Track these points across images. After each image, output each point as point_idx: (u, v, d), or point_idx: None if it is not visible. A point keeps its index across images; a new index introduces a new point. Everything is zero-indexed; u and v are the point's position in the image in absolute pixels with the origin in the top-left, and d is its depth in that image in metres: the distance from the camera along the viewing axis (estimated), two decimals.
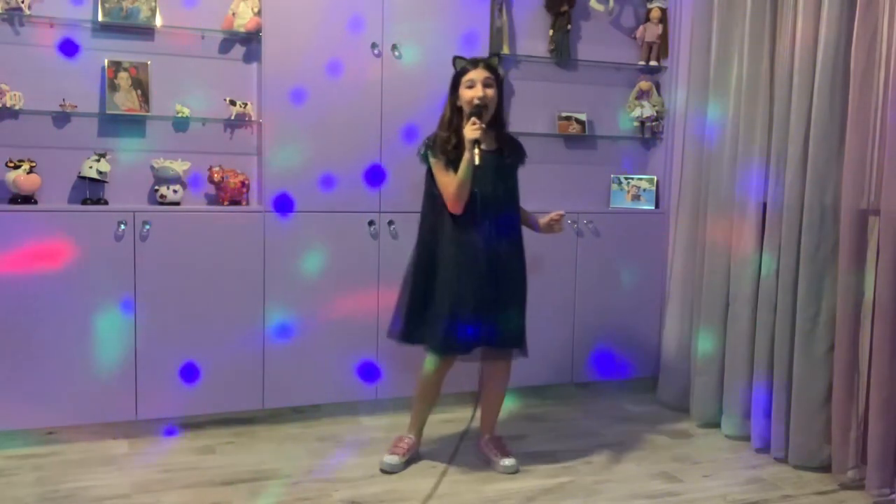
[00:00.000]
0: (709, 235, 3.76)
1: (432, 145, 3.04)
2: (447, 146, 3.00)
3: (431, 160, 3.03)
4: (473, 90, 2.99)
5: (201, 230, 3.43)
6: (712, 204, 3.75)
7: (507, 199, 3.10)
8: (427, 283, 3.08)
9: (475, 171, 2.91)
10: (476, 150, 2.87)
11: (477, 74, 3.01)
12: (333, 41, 3.57)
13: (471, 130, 2.91)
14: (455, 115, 3.04)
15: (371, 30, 3.62)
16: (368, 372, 3.72)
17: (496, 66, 3.09)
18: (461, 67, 3.05)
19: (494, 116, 3.08)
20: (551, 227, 3.24)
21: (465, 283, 3.01)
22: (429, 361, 3.15)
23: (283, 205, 3.54)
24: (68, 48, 3.39)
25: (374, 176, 3.67)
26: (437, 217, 3.07)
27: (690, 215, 3.91)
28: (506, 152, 3.10)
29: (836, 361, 3.13)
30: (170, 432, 3.46)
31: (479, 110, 2.96)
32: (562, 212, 3.23)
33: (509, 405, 3.88)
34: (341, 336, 3.64)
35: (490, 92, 3.01)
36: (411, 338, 3.12)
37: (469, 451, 3.31)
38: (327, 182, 3.60)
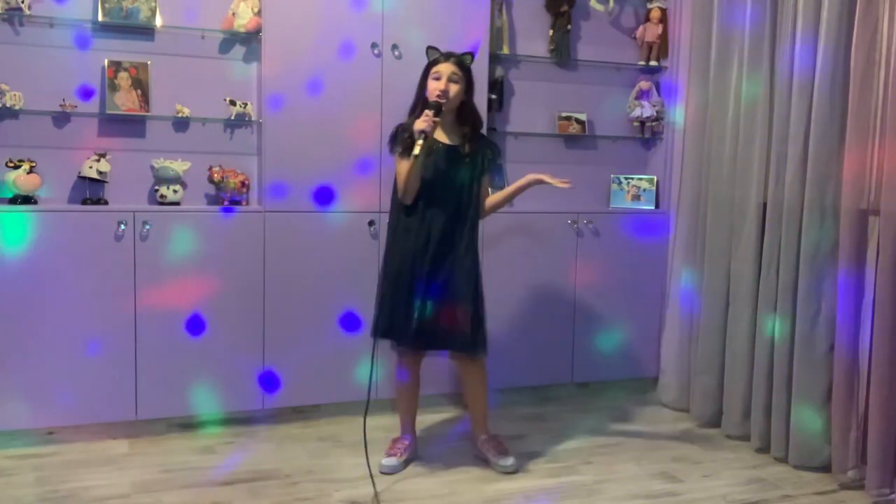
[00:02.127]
0: (709, 235, 3.76)
1: (394, 133, 3.06)
2: (404, 134, 3.01)
3: (393, 148, 3.05)
4: (438, 82, 3.00)
5: (201, 230, 3.43)
6: (712, 204, 3.75)
7: (460, 194, 3.08)
8: (384, 275, 3.12)
9: (427, 162, 2.94)
10: (419, 142, 2.88)
11: (444, 68, 3.02)
12: (333, 41, 3.57)
13: (420, 121, 2.92)
14: (421, 105, 3.05)
15: (371, 30, 3.62)
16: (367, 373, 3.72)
17: (468, 64, 3.09)
18: (433, 58, 3.07)
19: (467, 114, 3.10)
20: (547, 179, 3.15)
21: (408, 270, 3.03)
22: (398, 362, 3.19)
23: (282, 205, 3.54)
24: (68, 47, 3.39)
25: (374, 176, 3.67)
26: (395, 206, 3.11)
27: (690, 215, 3.91)
28: (467, 149, 3.09)
29: (836, 361, 3.13)
30: (167, 432, 3.46)
31: (437, 104, 2.96)
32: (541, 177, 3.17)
33: (510, 405, 3.89)
34: (341, 336, 3.64)
35: (454, 87, 3.01)
36: (377, 331, 3.13)
37: (467, 452, 3.31)
38: (327, 182, 3.60)
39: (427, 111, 2.94)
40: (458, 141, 3.10)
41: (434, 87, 3.01)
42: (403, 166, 2.98)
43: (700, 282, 3.83)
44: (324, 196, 3.61)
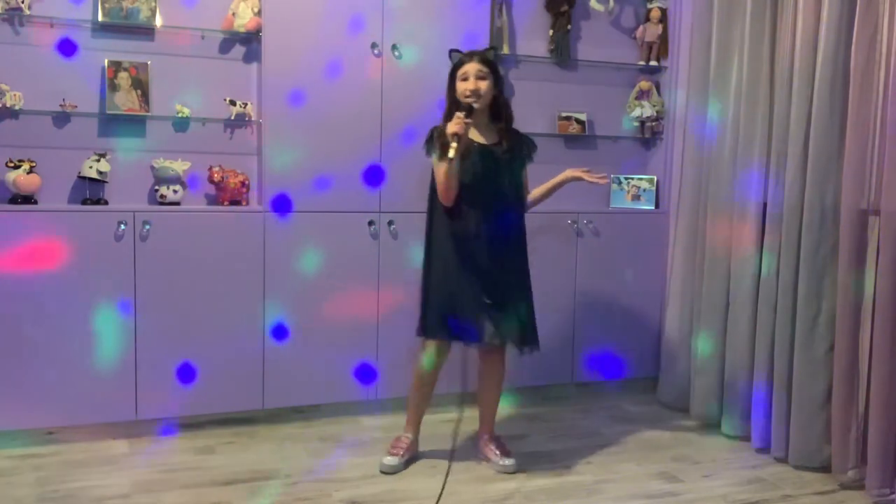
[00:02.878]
0: (709, 235, 3.76)
1: (431, 137, 3.05)
2: (441, 139, 3.00)
3: (430, 152, 3.04)
4: (466, 83, 3.00)
5: (201, 230, 3.43)
6: (712, 204, 3.75)
7: (504, 193, 3.08)
8: (430, 274, 3.10)
9: (465, 164, 2.93)
10: (453, 144, 2.87)
11: (471, 67, 3.01)
12: (333, 41, 3.57)
13: (451, 125, 2.91)
14: (453, 107, 3.04)
15: (371, 30, 3.62)
16: (366, 373, 3.72)
17: (492, 58, 3.09)
18: (457, 60, 3.06)
19: (497, 110, 3.09)
20: (584, 176, 3.19)
21: (458, 272, 3.02)
22: (425, 353, 3.15)
23: (282, 205, 3.54)
24: (68, 48, 3.39)
25: (374, 176, 3.67)
26: (435, 209, 3.09)
27: (690, 215, 3.91)
28: (506, 146, 3.09)
29: (836, 361, 3.13)
30: (167, 432, 3.46)
31: (468, 105, 2.96)
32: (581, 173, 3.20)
33: (509, 405, 3.89)
34: (341, 336, 3.64)
35: (483, 84, 3.00)
36: (420, 328, 3.13)
37: (469, 451, 3.31)
38: (327, 182, 3.60)
39: (458, 114, 2.92)
40: (494, 139, 3.08)
41: (464, 88, 3.00)
42: (441, 169, 2.97)
43: (700, 282, 3.83)
44: (324, 196, 3.60)
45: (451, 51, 3.10)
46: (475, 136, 3.05)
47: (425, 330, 3.11)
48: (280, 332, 3.56)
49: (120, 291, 3.31)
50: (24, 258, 3.17)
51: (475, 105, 2.98)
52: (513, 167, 3.10)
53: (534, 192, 3.25)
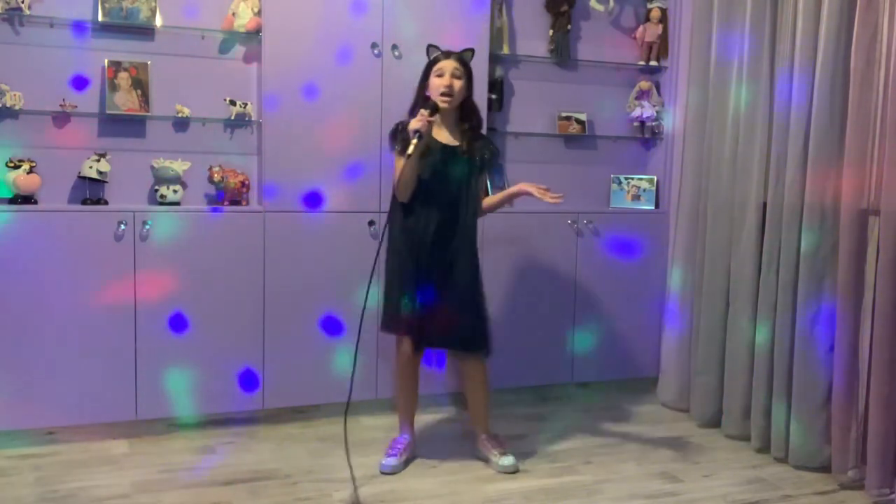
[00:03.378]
0: (709, 235, 3.76)
1: (394, 131, 3.08)
2: (403, 134, 3.01)
3: (394, 146, 3.07)
4: (441, 79, 3.01)
5: (201, 230, 3.43)
6: (712, 204, 3.75)
7: (457, 194, 3.09)
8: (388, 270, 3.15)
9: (424, 161, 2.95)
10: (413, 141, 2.88)
11: (447, 65, 3.03)
12: (333, 41, 3.57)
13: (414, 121, 2.93)
14: (420, 103, 3.06)
15: (371, 30, 3.62)
16: (366, 374, 3.72)
17: (468, 60, 3.10)
18: (434, 56, 3.07)
19: (469, 112, 3.11)
20: (535, 192, 3.11)
21: (406, 268, 3.06)
22: (397, 347, 3.21)
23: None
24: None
25: (374, 176, 3.67)
26: (393, 205, 3.13)
27: (690, 215, 3.91)
28: (465, 148, 3.09)
29: (836, 361, 3.13)
30: (167, 432, 3.46)
31: (433, 104, 2.97)
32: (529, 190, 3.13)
33: (509, 405, 3.89)
34: (341, 336, 3.64)
35: (457, 83, 3.02)
36: (383, 324, 3.21)
37: (468, 452, 3.31)
38: (327, 182, 3.60)
39: (422, 111, 2.95)
40: (458, 139, 3.11)
41: (438, 84, 3.02)
42: (400, 164, 2.99)
43: (700, 282, 3.83)
44: (324, 196, 3.60)
45: (430, 46, 3.11)
46: (439, 135, 3.08)
47: (383, 325, 3.19)
48: (280, 332, 3.56)
49: (120, 291, 3.31)
50: (24, 258, 3.16)
51: (445, 104, 3.00)
52: (470, 170, 3.11)
53: (487, 200, 3.25)
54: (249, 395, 3.55)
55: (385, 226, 3.12)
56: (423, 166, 3.00)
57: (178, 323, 3.40)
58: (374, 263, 2.97)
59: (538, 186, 3.12)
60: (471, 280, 3.13)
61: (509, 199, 3.26)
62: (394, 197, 3.12)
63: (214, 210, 3.48)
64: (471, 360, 3.22)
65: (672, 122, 4.18)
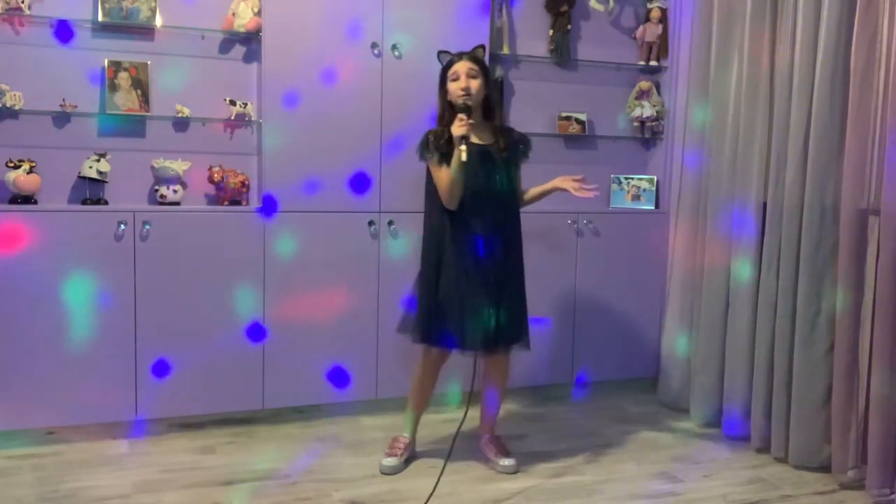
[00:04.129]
0: (709, 235, 3.76)
1: (426, 141, 3.04)
2: (440, 141, 3.00)
3: (426, 156, 3.03)
4: (458, 82, 3.00)
5: (201, 230, 3.43)
6: (712, 204, 3.75)
7: (503, 192, 3.07)
8: (433, 280, 3.07)
9: (466, 166, 2.92)
10: (463, 147, 2.87)
11: (461, 66, 3.01)
12: (333, 41, 3.57)
13: (457, 127, 2.91)
14: (446, 109, 3.05)
15: (371, 30, 3.62)
16: (366, 373, 3.72)
17: (481, 56, 3.09)
18: (447, 61, 3.06)
19: (488, 109, 3.09)
20: (571, 188, 3.14)
21: (465, 280, 3.00)
22: (425, 355, 3.16)
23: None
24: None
25: (374, 176, 3.67)
26: (435, 213, 3.07)
27: (690, 215, 3.91)
28: (502, 145, 3.09)
29: (836, 361, 3.13)
30: (167, 432, 3.46)
31: (466, 106, 2.96)
32: (575, 182, 3.14)
33: (509, 405, 3.89)
34: (341, 336, 3.64)
35: (474, 83, 3.00)
36: (418, 336, 3.11)
37: (469, 452, 3.31)
38: (327, 182, 3.60)
39: (460, 115, 2.92)
40: (489, 139, 3.08)
41: (456, 88, 3.00)
42: (444, 173, 2.96)
43: (700, 282, 3.83)
44: (324, 196, 3.60)
45: (440, 52, 3.10)
46: (472, 136, 3.05)
47: (425, 337, 3.09)
48: (280, 332, 3.56)
49: (120, 291, 3.31)
50: (24, 258, 3.16)
51: (469, 104, 2.98)
52: (509, 166, 3.10)
53: (527, 193, 3.23)
54: (249, 395, 3.55)
55: (426, 239, 3.11)
56: (467, 170, 2.96)
57: (177, 323, 3.40)
58: (424, 271, 2.98)
59: (574, 179, 3.13)
60: (521, 276, 3.14)
61: (547, 194, 3.24)
62: (432, 205, 3.08)
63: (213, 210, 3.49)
64: (503, 357, 3.21)
65: (672, 122, 4.18)
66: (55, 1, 3.37)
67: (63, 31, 3.39)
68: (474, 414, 3.34)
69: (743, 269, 3.56)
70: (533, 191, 3.24)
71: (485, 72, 3.06)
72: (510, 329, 3.09)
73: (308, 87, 3.55)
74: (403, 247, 3.68)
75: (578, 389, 4.16)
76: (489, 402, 3.31)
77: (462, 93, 2.98)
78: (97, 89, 3.48)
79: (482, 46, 3.12)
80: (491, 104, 3.11)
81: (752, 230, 3.52)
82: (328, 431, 3.57)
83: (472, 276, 3.00)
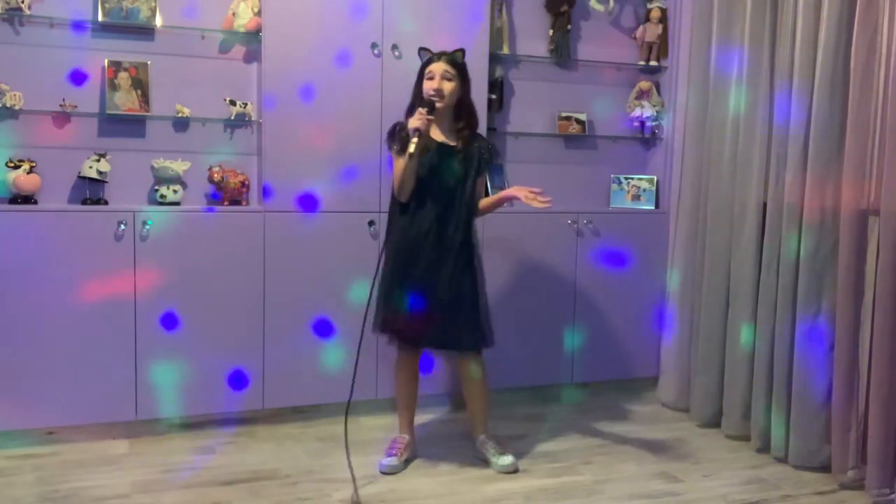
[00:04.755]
0: (709, 235, 3.76)
1: (392, 131, 3.09)
2: (402, 133, 3.03)
3: (391, 147, 3.08)
4: (431, 82, 3.04)
5: (201, 230, 3.43)
6: (712, 204, 3.75)
7: (456, 193, 3.09)
8: (387, 274, 3.13)
9: (421, 160, 2.95)
10: (413, 140, 2.90)
11: (437, 67, 3.05)
12: (333, 41, 3.57)
13: (413, 120, 2.95)
14: (417, 103, 3.08)
15: (371, 30, 3.62)
16: (364, 373, 3.72)
17: (460, 60, 3.10)
18: (426, 59, 3.09)
19: (463, 112, 3.11)
20: (523, 197, 3.08)
21: (401, 268, 3.06)
22: (398, 354, 3.23)
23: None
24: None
25: (374, 176, 3.67)
26: (392, 205, 3.14)
27: (690, 215, 3.91)
28: (460, 147, 3.10)
29: (836, 361, 3.13)
30: (167, 432, 3.45)
31: (430, 102, 2.99)
32: (520, 194, 3.09)
33: (509, 405, 3.89)
34: (341, 336, 3.64)
35: (447, 85, 3.03)
36: (381, 327, 3.17)
37: (468, 451, 3.31)
38: (327, 182, 3.60)
39: (420, 109, 2.97)
40: (453, 139, 3.12)
41: (428, 87, 3.04)
42: (399, 164, 3.01)
43: (700, 282, 3.83)
44: (324, 196, 3.60)
45: (421, 49, 3.13)
46: (435, 134, 3.10)
47: (376, 325, 3.16)
48: (280, 331, 3.56)
49: (120, 291, 3.31)
50: (24, 259, 3.16)
51: (438, 104, 3.01)
52: (467, 169, 3.11)
53: (483, 201, 3.24)
54: (249, 395, 3.55)
55: (387, 230, 3.14)
56: (422, 164, 3.02)
57: (176, 323, 3.40)
58: (378, 265, 2.97)
59: (530, 190, 3.07)
60: (469, 279, 3.13)
61: (501, 203, 3.25)
62: (393, 197, 3.14)
63: (210, 209, 3.49)
64: (469, 361, 3.22)
65: (672, 122, 4.18)
66: (55, 1, 3.37)
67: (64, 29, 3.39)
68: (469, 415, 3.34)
69: (743, 270, 3.56)
70: (486, 199, 3.26)
71: (462, 76, 3.09)
72: (461, 331, 3.10)
73: (308, 87, 3.54)
74: None
75: (578, 389, 4.16)
76: (473, 404, 3.31)
77: (433, 93, 3.01)
78: (97, 89, 3.48)
79: (462, 50, 3.14)
80: (463, 108, 3.12)
81: (752, 230, 3.52)
82: (328, 431, 3.57)
83: (416, 272, 3.04)
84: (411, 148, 2.91)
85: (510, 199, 3.20)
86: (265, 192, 3.54)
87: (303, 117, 3.55)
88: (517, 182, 3.69)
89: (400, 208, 3.09)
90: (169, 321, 3.38)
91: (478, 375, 3.24)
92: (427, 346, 3.21)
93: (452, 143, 3.11)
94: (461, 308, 3.10)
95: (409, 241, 3.07)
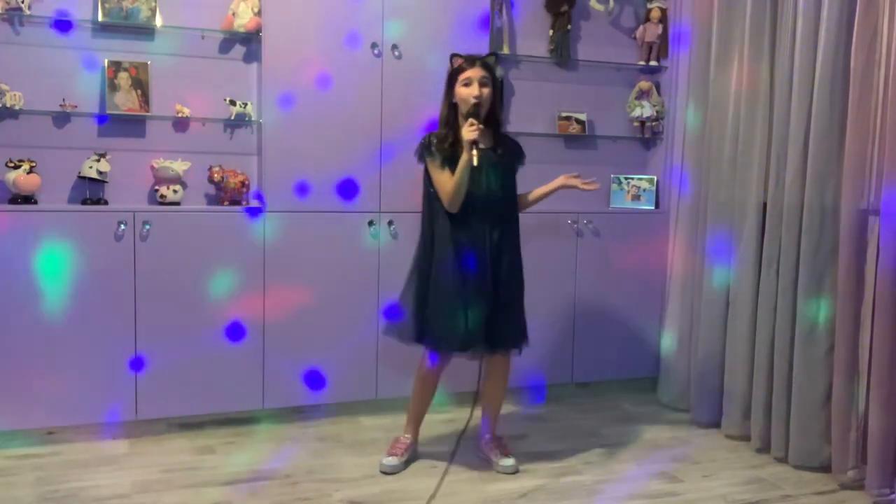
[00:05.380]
0: (709, 235, 3.76)
1: (428, 144, 3.04)
2: (444, 144, 3.00)
3: (427, 159, 3.03)
4: (469, 88, 2.99)
5: (201, 230, 3.43)
6: (712, 204, 3.75)
7: (504, 197, 3.09)
8: (427, 282, 3.08)
9: (472, 170, 2.92)
10: (474, 152, 2.87)
11: (474, 73, 3.00)
12: (334, 41, 3.57)
13: (468, 131, 2.89)
14: (451, 112, 3.05)
15: (371, 30, 3.62)
16: (365, 374, 3.72)
17: (493, 64, 3.09)
18: (458, 65, 3.05)
19: (491, 115, 3.09)
20: (578, 185, 3.21)
21: (463, 282, 3.01)
22: (427, 359, 3.16)
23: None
24: (63, 27, 3.39)
25: (374, 176, 3.67)
26: (435, 216, 3.07)
27: (690, 215, 3.91)
28: (501, 151, 3.10)
29: (836, 361, 3.13)
30: (167, 432, 3.45)
31: (476, 110, 2.95)
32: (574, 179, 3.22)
33: (509, 405, 3.89)
34: (341, 336, 3.64)
35: (486, 91, 3.00)
36: (412, 337, 3.12)
37: (469, 451, 3.31)
38: (327, 182, 3.60)
39: (471, 120, 2.92)
40: (488, 143, 3.08)
41: (468, 93, 2.98)
42: (446, 177, 2.97)
43: (700, 282, 3.83)
44: (324, 196, 3.60)
45: (453, 55, 3.08)
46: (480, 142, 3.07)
47: (420, 337, 3.10)
48: (280, 331, 3.56)
49: (120, 291, 3.31)
50: (24, 259, 3.16)
51: (480, 111, 2.98)
52: (508, 171, 3.11)
53: (530, 195, 3.24)
54: (249, 395, 3.55)
55: (422, 242, 3.11)
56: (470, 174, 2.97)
57: (177, 323, 3.39)
58: (412, 274, 3.04)
59: (574, 176, 3.20)
60: (519, 280, 3.15)
61: (551, 193, 3.26)
62: (432, 208, 3.08)
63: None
64: (505, 360, 3.23)
65: (672, 122, 4.18)
66: (55, 1, 3.37)
67: (62, 27, 3.39)
68: (476, 413, 3.34)
69: (743, 269, 3.56)
70: (537, 192, 3.25)
71: (494, 81, 3.08)
72: (509, 332, 3.11)
73: (308, 87, 3.54)
74: (403, 247, 3.68)
75: (578, 389, 4.16)
76: (490, 404, 3.32)
77: (475, 100, 2.97)
78: (97, 89, 3.48)
79: (494, 54, 3.13)
80: (495, 111, 3.12)
81: (752, 230, 3.52)
82: (328, 431, 3.57)
83: (471, 279, 3.01)
84: (475, 161, 2.86)
85: (561, 189, 3.24)
86: (265, 193, 3.53)
87: (303, 117, 3.55)
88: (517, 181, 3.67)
89: (451, 219, 3.02)
90: (169, 321, 3.38)
91: (505, 373, 3.25)
92: (478, 348, 3.12)
93: (489, 148, 3.08)
94: (513, 308, 3.12)
95: (467, 249, 3.01)
